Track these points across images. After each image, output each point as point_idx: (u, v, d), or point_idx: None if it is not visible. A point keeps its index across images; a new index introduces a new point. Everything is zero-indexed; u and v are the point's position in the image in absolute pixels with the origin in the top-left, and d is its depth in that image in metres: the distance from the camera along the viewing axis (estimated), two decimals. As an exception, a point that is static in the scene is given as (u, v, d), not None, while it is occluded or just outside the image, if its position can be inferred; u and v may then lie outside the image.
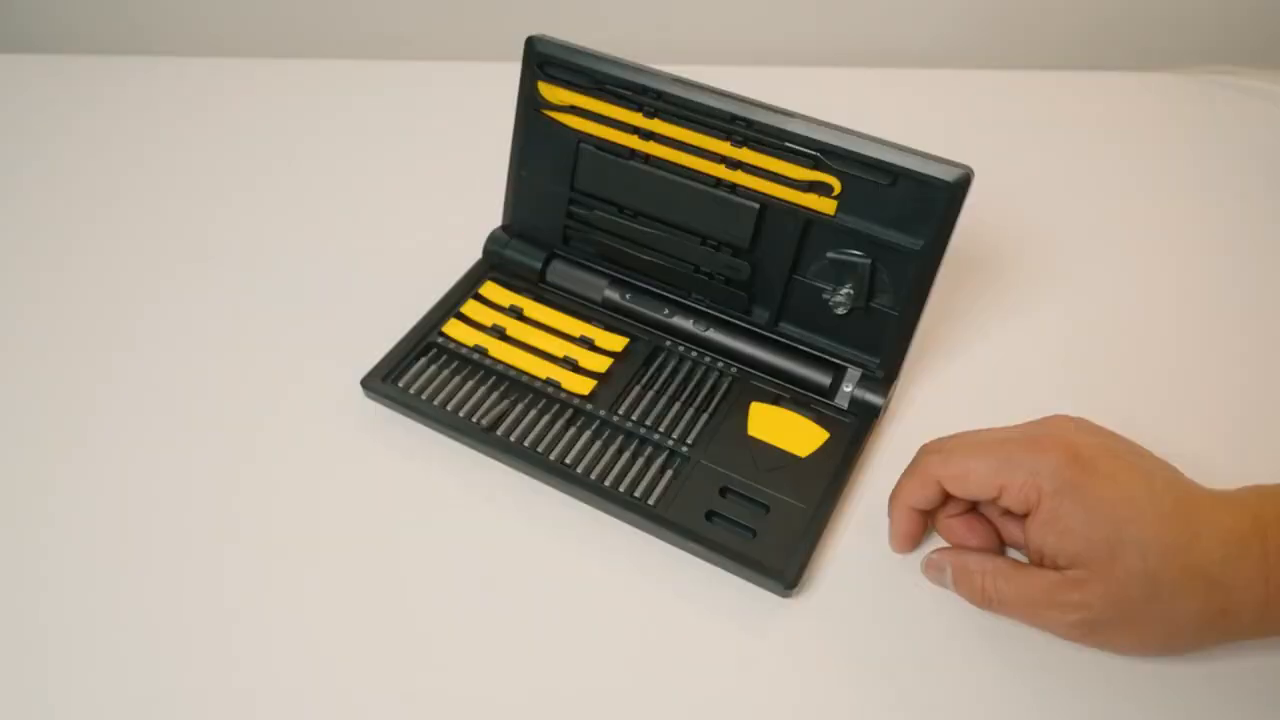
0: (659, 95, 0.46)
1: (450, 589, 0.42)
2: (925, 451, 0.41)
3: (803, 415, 0.47)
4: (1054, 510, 0.36)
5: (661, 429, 0.47)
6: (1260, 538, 0.34)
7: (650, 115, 0.46)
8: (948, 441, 0.41)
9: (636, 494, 0.44)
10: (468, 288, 0.53)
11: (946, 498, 0.41)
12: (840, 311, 0.47)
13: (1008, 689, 0.39)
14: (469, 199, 0.57)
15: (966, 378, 0.51)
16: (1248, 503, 0.36)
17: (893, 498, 0.42)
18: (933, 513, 0.42)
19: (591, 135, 0.48)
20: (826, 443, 0.46)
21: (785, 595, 0.41)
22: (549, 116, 0.49)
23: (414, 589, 0.42)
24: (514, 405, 0.48)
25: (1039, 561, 0.38)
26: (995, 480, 0.38)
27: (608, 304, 0.52)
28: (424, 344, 0.50)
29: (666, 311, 0.51)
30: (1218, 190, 0.65)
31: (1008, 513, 0.41)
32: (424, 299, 0.52)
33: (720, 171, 0.46)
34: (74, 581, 0.42)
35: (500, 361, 0.49)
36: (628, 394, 0.48)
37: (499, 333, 0.51)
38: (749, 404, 0.48)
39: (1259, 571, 0.34)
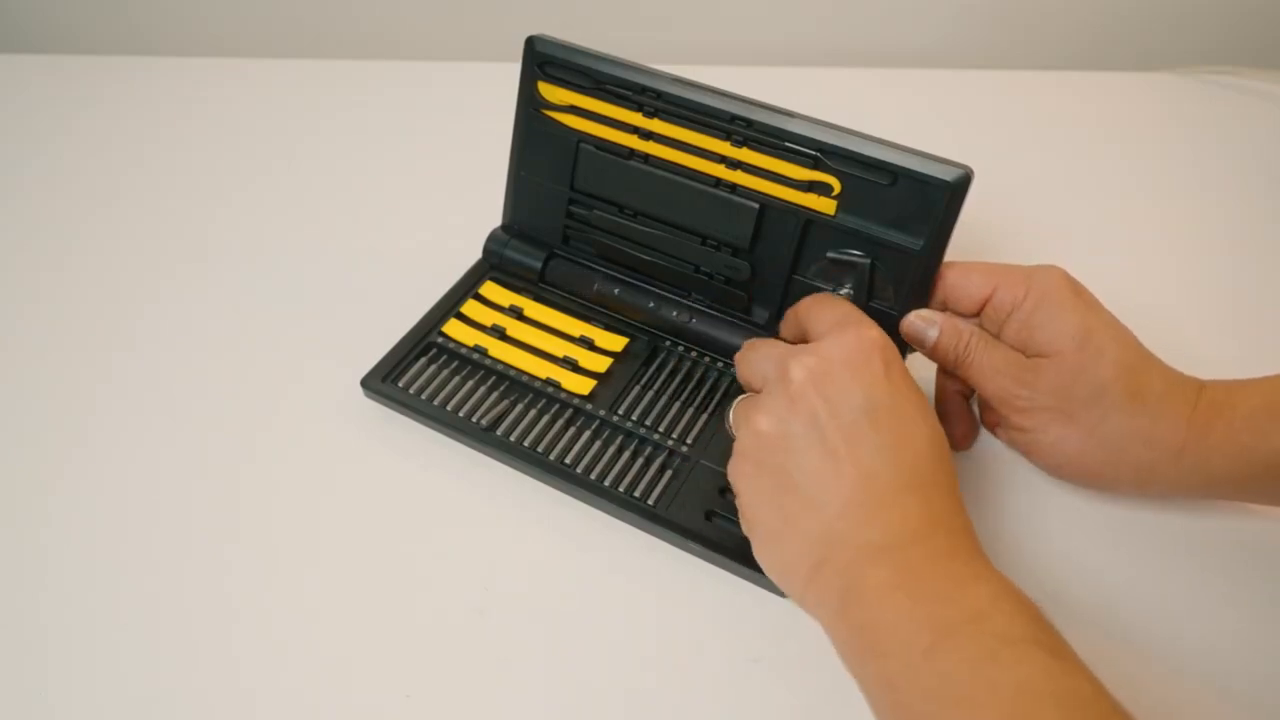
0: (659, 95, 0.46)
1: (450, 589, 0.42)
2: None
3: (803, 415, 0.47)
4: (1040, 300, 0.40)
5: (661, 429, 0.47)
6: (1196, 393, 0.40)
7: (650, 115, 0.46)
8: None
9: (636, 494, 0.44)
10: (468, 288, 0.53)
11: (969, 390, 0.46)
12: (840, 311, 0.47)
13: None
14: (469, 199, 0.57)
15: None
16: (1192, 379, 0.41)
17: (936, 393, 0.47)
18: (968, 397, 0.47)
19: (591, 135, 0.48)
20: (826, 443, 0.46)
21: (785, 595, 0.41)
22: (549, 116, 0.49)
23: (414, 589, 0.42)
24: (514, 405, 0.48)
25: None
26: (992, 277, 0.42)
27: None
28: (424, 344, 0.50)
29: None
30: (1218, 190, 0.65)
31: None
32: (424, 299, 0.52)
33: (720, 171, 0.46)
34: (74, 581, 0.42)
35: (500, 361, 0.49)
36: (627, 394, 0.48)
37: (499, 333, 0.51)
38: (749, 404, 0.48)
39: (1185, 415, 0.39)
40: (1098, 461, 0.41)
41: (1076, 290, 0.41)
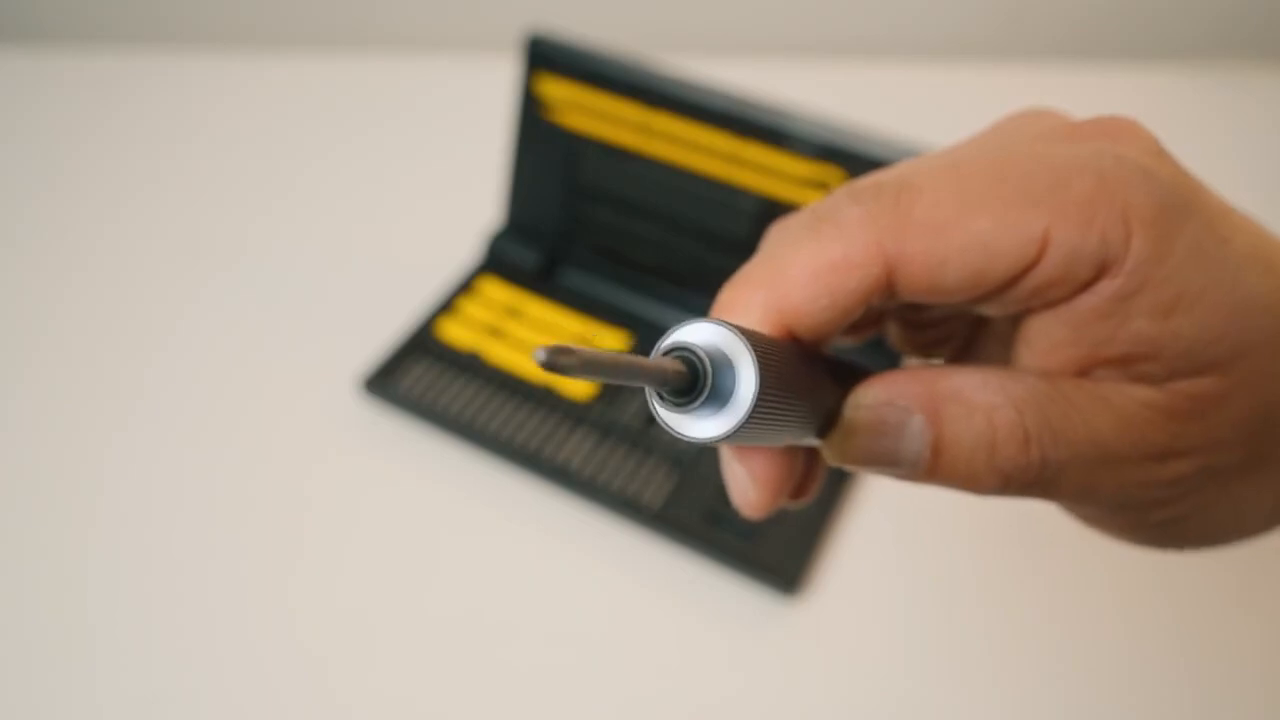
0: (659, 92, 0.45)
1: (449, 590, 0.42)
2: (828, 210, 0.21)
3: (805, 415, 0.47)
4: (1157, 256, 0.19)
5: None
6: None
7: (650, 112, 0.46)
8: (875, 184, 0.21)
9: (637, 496, 0.44)
10: (467, 287, 0.53)
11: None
12: (842, 310, 0.46)
13: (1012, 692, 0.38)
14: (469, 198, 0.56)
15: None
16: None
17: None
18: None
19: (592, 133, 0.48)
20: (829, 442, 0.46)
21: (786, 596, 0.41)
22: (548, 113, 0.49)
23: (413, 590, 0.42)
24: (514, 405, 0.47)
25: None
26: (1032, 229, 0.19)
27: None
28: (423, 344, 0.50)
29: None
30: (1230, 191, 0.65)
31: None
32: (423, 299, 0.52)
33: (721, 168, 0.46)
34: (70, 583, 0.42)
35: (500, 361, 0.49)
36: (628, 394, 0.48)
37: (498, 332, 0.50)
38: (751, 403, 0.47)
39: None
40: None
41: (1188, 204, 0.20)
